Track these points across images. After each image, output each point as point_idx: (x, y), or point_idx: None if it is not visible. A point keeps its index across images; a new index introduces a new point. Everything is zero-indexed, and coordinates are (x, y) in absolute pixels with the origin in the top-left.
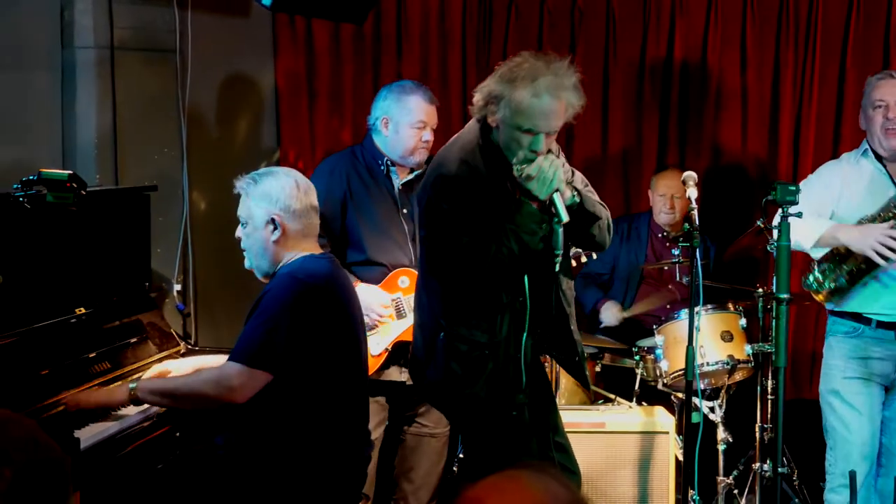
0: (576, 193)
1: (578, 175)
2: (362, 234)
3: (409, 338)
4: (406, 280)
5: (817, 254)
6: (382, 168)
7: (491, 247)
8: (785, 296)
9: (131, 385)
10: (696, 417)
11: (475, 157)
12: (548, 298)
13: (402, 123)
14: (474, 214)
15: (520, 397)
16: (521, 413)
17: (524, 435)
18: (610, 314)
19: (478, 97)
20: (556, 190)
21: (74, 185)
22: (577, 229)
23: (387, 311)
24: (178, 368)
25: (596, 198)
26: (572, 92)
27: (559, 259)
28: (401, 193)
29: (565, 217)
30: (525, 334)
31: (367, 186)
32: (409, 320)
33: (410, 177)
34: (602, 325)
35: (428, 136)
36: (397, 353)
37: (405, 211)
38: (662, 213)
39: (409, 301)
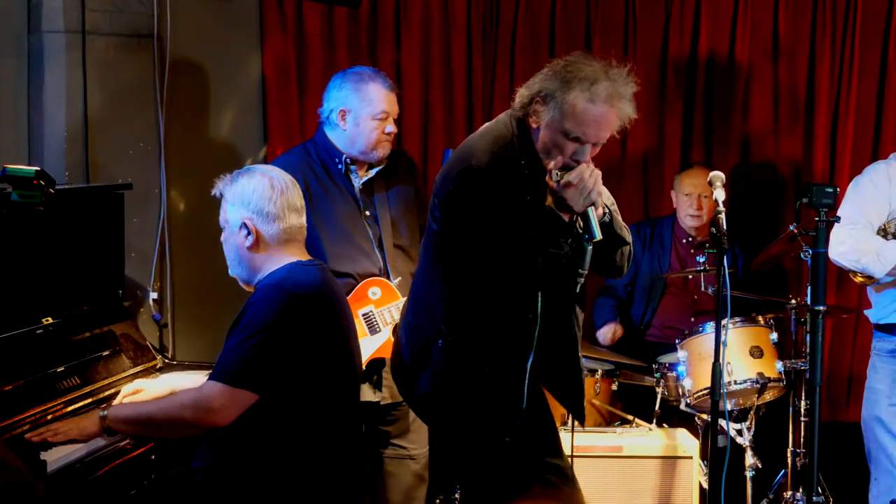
0: (607, 212)
1: (605, 191)
2: (323, 242)
3: (384, 354)
4: (377, 291)
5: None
6: (340, 167)
7: (510, 255)
8: (821, 308)
9: (102, 413)
10: (721, 441)
11: (507, 155)
12: (560, 318)
13: (363, 115)
14: (499, 217)
15: (517, 423)
16: (517, 439)
17: (519, 462)
18: (603, 335)
19: (524, 92)
20: (592, 204)
21: (42, 182)
22: (600, 252)
23: None
24: (152, 389)
25: (621, 221)
26: (628, 103)
27: (582, 279)
28: (362, 194)
29: (598, 234)
30: (531, 354)
31: (325, 188)
32: (384, 335)
33: (371, 174)
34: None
35: (391, 127)
36: (370, 370)
37: (368, 213)
38: (688, 216)
39: (382, 314)
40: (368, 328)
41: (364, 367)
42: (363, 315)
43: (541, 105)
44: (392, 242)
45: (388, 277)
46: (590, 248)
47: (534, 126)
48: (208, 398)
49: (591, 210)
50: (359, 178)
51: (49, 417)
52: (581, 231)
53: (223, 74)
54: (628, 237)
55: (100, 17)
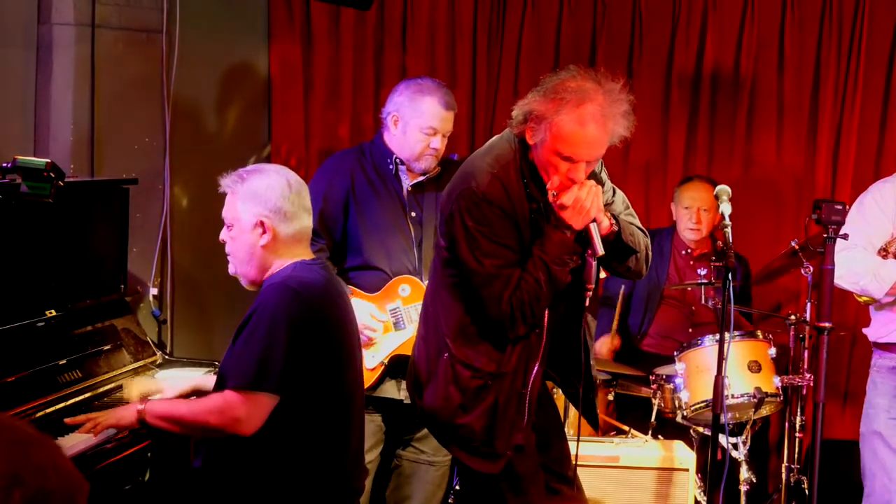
0: (614, 223)
1: (620, 195)
2: (362, 237)
3: (408, 351)
4: (407, 288)
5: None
6: (391, 167)
7: (513, 274)
8: (827, 325)
9: (140, 406)
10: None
11: (508, 174)
12: (569, 332)
13: (411, 125)
14: (500, 237)
15: (519, 438)
16: (520, 453)
17: (522, 474)
18: (598, 346)
19: (517, 112)
20: (593, 220)
21: (52, 174)
22: (611, 260)
23: (376, 323)
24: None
25: (636, 223)
26: (621, 120)
27: (590, 294)
28: (410, 195)
29: (601, 250)
30: (536, 368)
31: (372, 185)
32: (409, 332)
33: (421, 178)
34: None
35: (437, 143)
36: (395, 367)
37: (413, 214)
38: (687, 229)
39: (409, 311)
40: (394, 323)
41: (387, 362)
42: (391, 310)
43: (534, 124)
44: (432, 245)
45: (421, 277)
46: (595, 262)
47: (530, 143)
48: (233, 408)
49: (593, 226)
50: (408, 180)
51: (49, 410)
52: (586, 245)
53: (230, 72)
54: (641, 243)
55: (109, 11)
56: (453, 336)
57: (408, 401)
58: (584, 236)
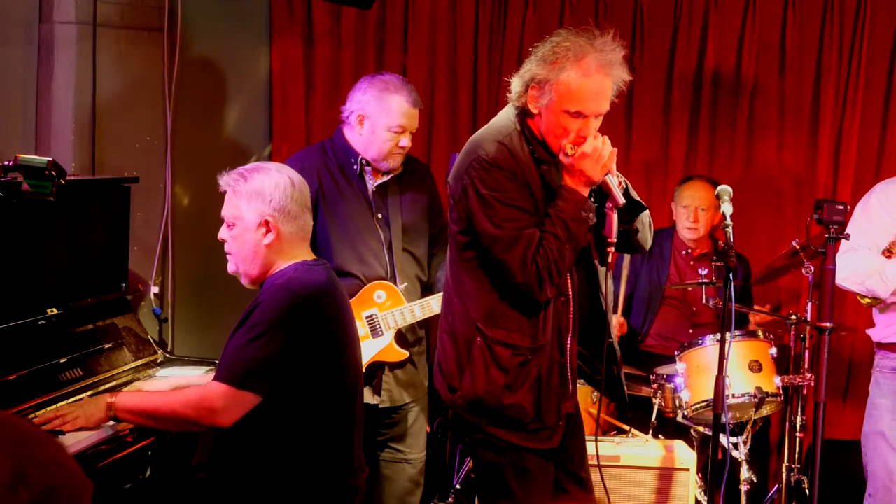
0: (622, 181)
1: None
2: (332, 241)
3: (385, 358)
4: (383, 294)
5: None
6: (355, 167)
7: (534, 234)
8: (828, 325)
9: (110, 400)
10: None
11: (513, 141)
12: (591, 298)
13: (380, 125)
14: (515, 200)
15: (569, 410)
16: (568, 424)
17: (531, 469)
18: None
19: (517, 83)
20: (608, 172)
21: (54, 173)
22: (622, 220)
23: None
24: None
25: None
26: (620, 68)
27: (613, 248)
28: (375, 196)
29: (622, 199)
30: (570, 340)
31: (339, 187)
32: (386, 339)
33: (385, 178)
34: None
35: (405, 141)
36: (370, 374)
37: (380, 216)
38: (685, 228)
39: (385, 318)
40: (371, 331)
41: (364, 369)
42: (366, 317)
43: (536, 91)
44: (402, 247)
45: (395, 281)
46: (615, 216)
47: (534, 111)
48: (211, 399)
49: (609, 177)
50: (373, 181)
51: (50, 409)
52: (601, 202)
53: (231, 71)
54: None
55: (111, 10)
56: (483, 319)
57: (383, 405)
58: (599, 191)
